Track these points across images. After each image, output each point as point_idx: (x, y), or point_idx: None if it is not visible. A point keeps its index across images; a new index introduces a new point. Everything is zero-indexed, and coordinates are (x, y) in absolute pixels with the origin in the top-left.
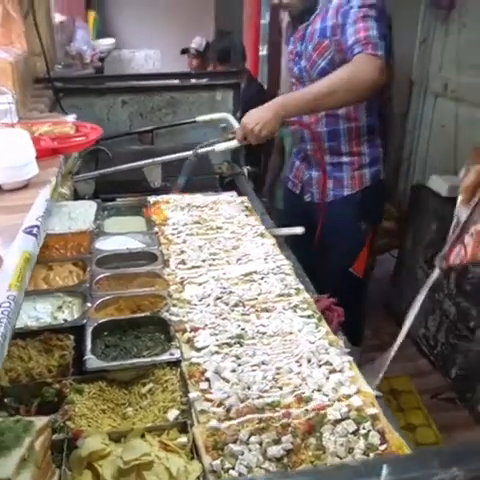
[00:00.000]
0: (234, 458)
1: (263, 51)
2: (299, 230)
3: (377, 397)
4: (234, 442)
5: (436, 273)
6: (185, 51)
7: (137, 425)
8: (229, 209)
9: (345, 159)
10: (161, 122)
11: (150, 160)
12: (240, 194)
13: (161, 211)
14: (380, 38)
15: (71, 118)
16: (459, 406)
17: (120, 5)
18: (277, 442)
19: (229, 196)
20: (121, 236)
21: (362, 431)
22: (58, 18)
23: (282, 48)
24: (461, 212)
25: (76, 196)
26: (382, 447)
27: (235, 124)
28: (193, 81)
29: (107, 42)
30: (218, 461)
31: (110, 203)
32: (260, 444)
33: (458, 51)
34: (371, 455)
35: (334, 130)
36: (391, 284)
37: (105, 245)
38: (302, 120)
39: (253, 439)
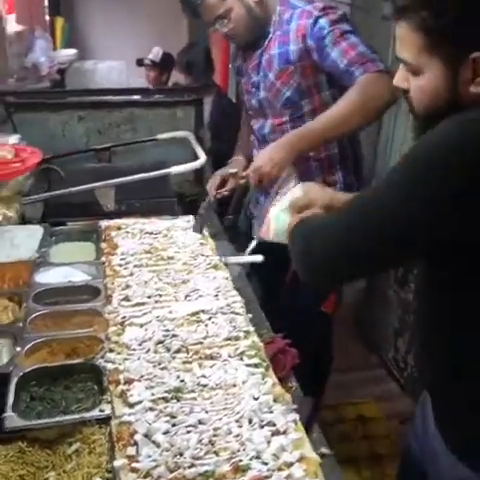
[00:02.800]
0: None
1: None
2: (258, 258)
3: (325, 456)
4: None
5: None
6: (141, 62)
7: None
8: (184, 237)
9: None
10: (120, 139)
11: (102, 182)
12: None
13: (111, 238)
14: (372, 51)
15: (13, 139)
16: None
17: (91, 11)
18: None
19: (185, 221)
20: (65, 267)
21: None
22: (15, 28)
23: None
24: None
25: (23, 220)
26: None
27: (195, 145)
28: (153, 97)
29: (68, 53)
30: None
31: (59, 228)
32: None
33: None
34: None
35: (305, 161)
36: (361, 303)
37: (46, 277)
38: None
39: None
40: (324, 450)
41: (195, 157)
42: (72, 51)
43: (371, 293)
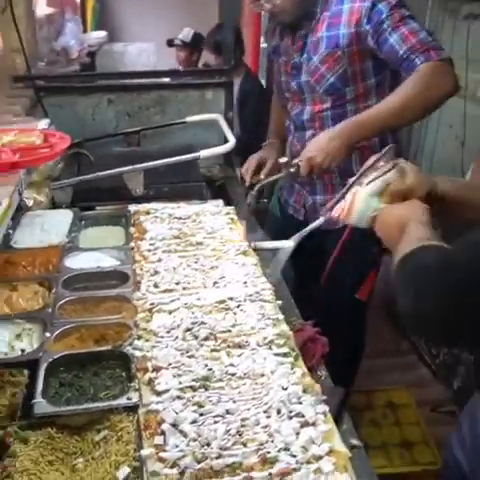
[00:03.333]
0: None
1: (264, 43)
2: (290, 244)
3: (355, 448)
4: None
5: (319, 220)
6: (171, 43)
7: None
8: (213, 222)
9: None
10: (149, 122)
11: (130, 167)
12: (230, 200)
13: (140, 223)
14: (433, 38)
15: (43, 124)
16: None
17: None
18: None
19: (214, 206)
20: (94, 252)
21: None
22: (45, 11)
23: None
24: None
25: (54, 204)
26: None
27: (224, 128)
28: (183, 79)
29: (98, 35)
30: None
31: (88, 212)
32: None
33: (468, 45)
34: None
35: None
36: (393, 289)
37: (76, 262)
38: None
39: None
40: (354, 442)
41: (224, 140)
42: (102, 33)
43: None
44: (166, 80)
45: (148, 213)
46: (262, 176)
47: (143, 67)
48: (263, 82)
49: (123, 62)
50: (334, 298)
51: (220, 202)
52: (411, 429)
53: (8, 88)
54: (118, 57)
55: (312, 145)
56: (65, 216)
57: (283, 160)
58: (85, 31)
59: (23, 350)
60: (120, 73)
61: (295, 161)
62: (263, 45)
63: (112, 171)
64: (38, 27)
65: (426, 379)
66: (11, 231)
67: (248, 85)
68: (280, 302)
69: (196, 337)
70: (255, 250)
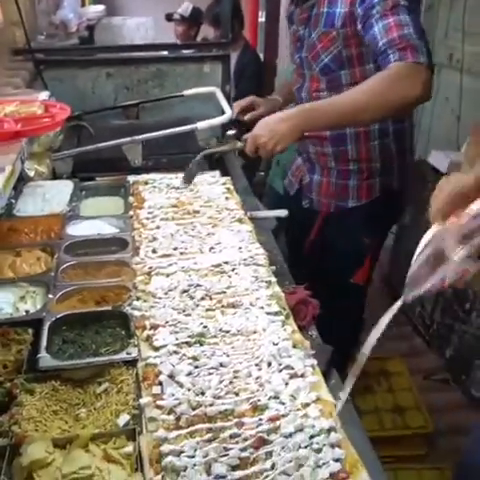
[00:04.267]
0: (175, 474)
1: (262, 18)
2: (283, 213)
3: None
4: (178, 455)
5: (397, 305)
6: (170, 17)
7: (88, 428)
8: (209, 191)
9: (353, 166)
10: (148, 95)
11: (129, 138)
12: (227, 172)
13: (138, 192)
14: (419, 37)
15: (43, 96)
16: (452, 388)
17: None
18: (224, 456)
19: (211, 176)
20: (95, 220)
21: (315, 446)
22: None
23: (280, 15)
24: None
25: (54, 175)
26: (334, 464)
27: (222, 100)
28: (180, 52)
29: (96, 9)
30: (159, 477)
31: (88, 183)
32: (205, 457)
33: (464, 18)
34: (319, 471)
35: (339, 134)
36: (390, 262)
37: (77, 230)
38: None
39: (199, 453)
40: (342, 395)
41: (222, 113)
42: (100, 7)
43: (399, 251)
44: (164, 53)
45: (146, 183)
46: (246, 118)
47: (141, 41)
48: (261, 56)
49: (121, 36)
50: (330, 281)
51: (217, 173)
52: (403, 395)
53: (8, 61)
54: (117, 31)
55: (262, 124)
56: (66, 186)
57: (231, 132)
58: (83, 5)
59: (27, 311)
60: (119, 46)
61: (244, 136)
62: (261, 19)
63: (111, 142)
64: (37, 0)
65: (420, 349)
66: (14, 201)
67: (246, 58)
68: (273, 267)
69: (192, 298)
70: (251, 219)
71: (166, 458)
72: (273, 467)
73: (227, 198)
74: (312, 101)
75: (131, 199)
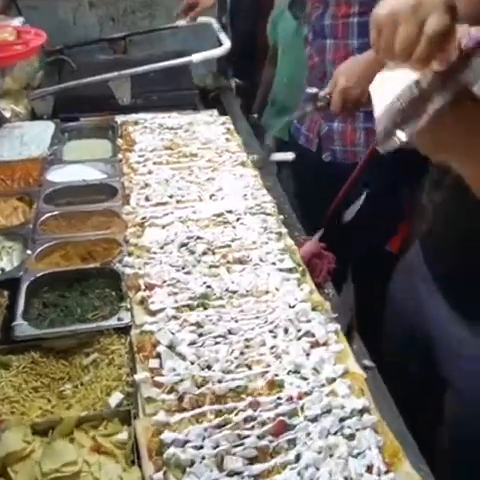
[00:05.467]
0: (180, 470)
1: None
2: (290, 156)
3: (368, 369)
4: (182, 446)
5: None
6: None
7: (75, 408)
8: (207, 132)
9: None
10: (136, 27)
11: (116, 73)
12: (225, 112)
13: (128, 134)
14: None
15: (17, 22)
16: None
17: None
18: (238, 445)
19: (208, 115)
20: (79, 165)
21: (346, 431)
22: None
23: None
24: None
25: (34, 115)
26: (371, 453)
27: (218, 31)
28: None
29: None
30: (160, 474)
31: (71, 124)
32: (216, 448)
33: None
34: (352, 464)
35: None
36: None
37: (59, 176)
38: None
39: (207, 442)
40: (367, 363)
41: (219, 46)
42: None
43: None
44: None
45: (137, 123)
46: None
47: None
48: None
49: None
50: (361, 252)
51: (214, 112)
52: None
53: None
54: None
55: (343, 72)
56: (46, 128)
57: (312, 90)
58: None
59: (2, 269)
60: None
61: (323, 93)
62: None
63: (96, 77)
64: None
65: None
66: None
67: None
68: (281, 216)
69: (192, 252)
70: (253, 163)
71: (168, 450)
72: (298, 459)
73: (227, 139)
74: (338, 29)
75: (120, 141)
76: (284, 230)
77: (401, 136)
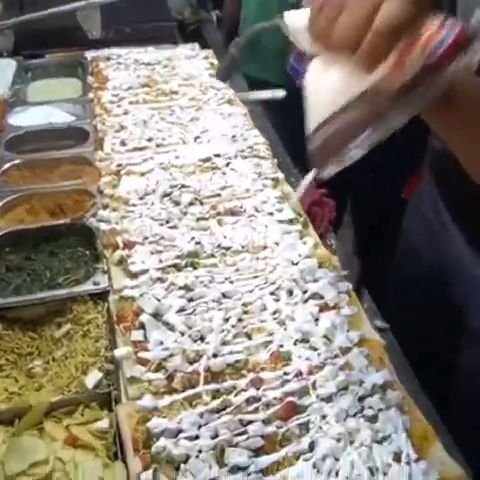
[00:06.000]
0: (173, 467)
1: None
2: (280, 93)
3: (381, 331)
4: (175, 436)
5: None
6: None
7: (46, 388)
8: (189, 67)
9: None
10: None
11: (84, 2)
12: (206, 46)
13: (100, 70)
14: None
15: None
16: None
17: None
18: (241, 434)
19: (189, 49)
20: (44, 106)
21: (367, 412)
22: None
23: None
24: None
25: None
26: (398, 437)
27: None
28: None
29: None
30: (149, 473)
31: (35, 61)
32: (214, 438)
33: None
34: (377, 451)
35: None
36: None
37: (22, 119)
38: None
39: (204, 431)
40: (379, 323)
41: None
42: None
43: None
44: None
45: (109, 59)
46: None
47: None
48: None
49: None
50: (374, 200)
51: (196, 45)
52: None
53: None
54: None
55: None
56: (7, 66)
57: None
58: None
59: None
60: None
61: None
62: None
63: (62, 8)
64: None
65: None
66: None
67: None
68: (275, 160)
69: (177, 203)
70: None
71: (158, 442)
72: (312, 448)
73: (211, 75)
74: None
75: (90, 79)
76: (281, 175)
77: (356, 153)
